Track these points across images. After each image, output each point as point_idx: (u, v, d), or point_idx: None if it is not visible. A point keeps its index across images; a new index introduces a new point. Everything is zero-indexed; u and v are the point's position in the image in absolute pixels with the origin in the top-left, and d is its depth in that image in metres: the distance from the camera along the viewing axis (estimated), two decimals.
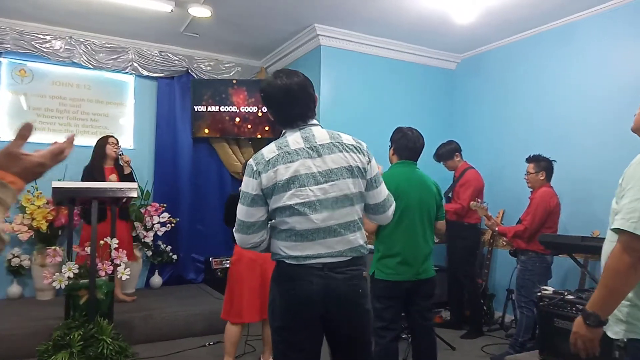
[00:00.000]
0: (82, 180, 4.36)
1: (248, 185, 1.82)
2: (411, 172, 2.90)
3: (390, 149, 3.02)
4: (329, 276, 1.80)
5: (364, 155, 1.89)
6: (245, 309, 3.24)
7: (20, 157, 0.93)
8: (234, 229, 1.90)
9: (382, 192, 1.97)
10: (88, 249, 3.57)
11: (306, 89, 1.90)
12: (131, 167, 4.69)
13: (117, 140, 4.71)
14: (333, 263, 1.81)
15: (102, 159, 4.55)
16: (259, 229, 1.85)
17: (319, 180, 1.79)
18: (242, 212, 1.84)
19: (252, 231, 1.84)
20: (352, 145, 1.88)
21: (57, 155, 0.99)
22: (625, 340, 1.44)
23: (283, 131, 1.92)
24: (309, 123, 1.89)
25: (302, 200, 1.77)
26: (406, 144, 2.89)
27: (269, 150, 1.83)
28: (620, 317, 1.46)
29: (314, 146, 1.82)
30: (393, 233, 2.79)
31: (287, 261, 1.83)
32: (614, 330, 1.47)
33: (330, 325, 1.87)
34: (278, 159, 1.79)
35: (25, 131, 0.96)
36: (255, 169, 1.81)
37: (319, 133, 1.87)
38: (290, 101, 1.86)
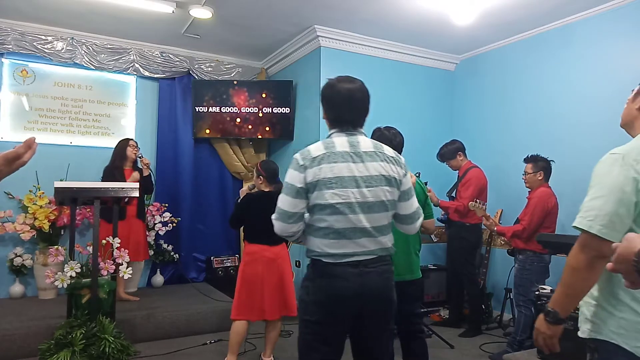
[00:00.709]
0: (103, 179, 4.49)
1: (294, 178, 1.90)
2: None
3: None
4: (364, 272, 1.90)
5: (401, 168, 2.01)
6: (267, 306, 3.33)
7: None
8: (273, 217, 1.96)
9: (413, 204, 2.07)
10: (89, 249, 3.61)
11: (365, 101, 2.02)
12: (150, 170, 4.81)
13: (137, 144, 4.83)
14: (367, 260, 1.92)
15: (123, 160, 4.68)
16: (298, 220, 1.94)
17: (359, 184, 1.89)
18: (286, 202, 1.91)
19: (292, 221, 1.92)
20: (392, 157, 2.00)
21: (12, 160, 0.91)
22: (592, 339, 1.44)
23: (330, 132, 2.02)
24: (357, 131, 2.01)
25: (343, 200, 1.87)
26: (385, 144, 2.89)
27: (316, 148, 1.93)
28: (587, 317, 1.46)
29: (358, 152, 1.93)
30: None
31: (324, 260, 1.91)
32: (582, 329, 1.48)
33: (366, 319, 1.96)
34: (324, 157, 1.89)
35: None
36: (301, 163, 1.90)
37: (364, 141, 1.98)
38: (348, 106, 1.98)
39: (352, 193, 1.87)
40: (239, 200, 3.54)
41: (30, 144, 0.94)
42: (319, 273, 1.93)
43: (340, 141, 1.95)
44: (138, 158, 4.76)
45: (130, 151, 4.69)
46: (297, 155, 1.94)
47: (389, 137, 2.90)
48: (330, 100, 2.02)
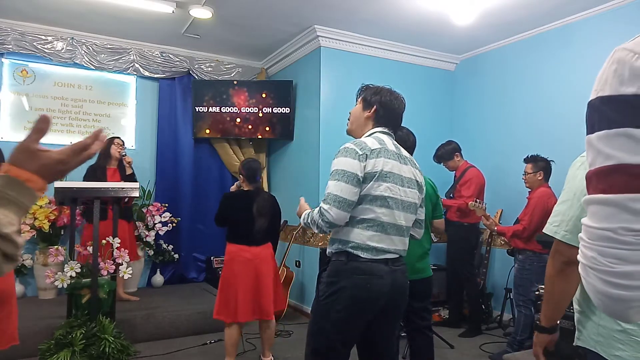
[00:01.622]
0: (84, 178, 4.41)
1: (353, 166, 1.90)
2: None
3: None
4: (393, 270, 1.98)
5: (422, 178, 2.17)
6: (240, 308, 3.26)
7: (37, 153, 0.83)
8: (327, 206, 1.89)
9: (425, 212, 2.23)
10: (90, 248, 3.61)
11: (403, 113, 2.18)
12: (132, 169, 4.74)
13: (123, 142, 4.75)
14: (394, 258, 2.00)
15: (107, 159, 4.61)
16: (352, 208, 1.93)
17: (404, 183, 2.01)
18: (346, 190, 1.88)
19: (350, 209, 1.91)
20: (418, 166, 2.16)
21: (80, 151, 0.89)
22: (583, 348, 1.39)
23: (373, 130, 2.09)
24: (393, 136, 2.14)
25: (393, 195, 1.96)
26: (399, 143, 2.91)
27: (371, 142, 1.98)
28: (576, 324, 1.43)
29: (401, 154, 2.06)
30: None
31: (361, 254, 1.92)
32: (575, 337, 1.45)
33: (380, 316, 2.00)
34: (381, 151, 1.96)
35: (42, 124, 0.85)
36: (360, 153, 1.93)
37: (401, 147, 2.14)
38: (398, 112, 2.13)
39: (399, 190, 1.97)
40: None
41: (97, 135, 0.90)
42: (354, 269, 1.92)
43: (388, 140, 2.04)
44: (122, 157, 4.67)
45: (114, 149, 4.60)
46: (351, 146, 1.95)
47: (403, 137, 2.91)
48: (388, 104, 2.10)
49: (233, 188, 3.61)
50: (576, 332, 1.41)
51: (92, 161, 4.60)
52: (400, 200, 1.98)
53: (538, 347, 1.50)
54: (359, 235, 1.92)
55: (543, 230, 1.41)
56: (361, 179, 1.91)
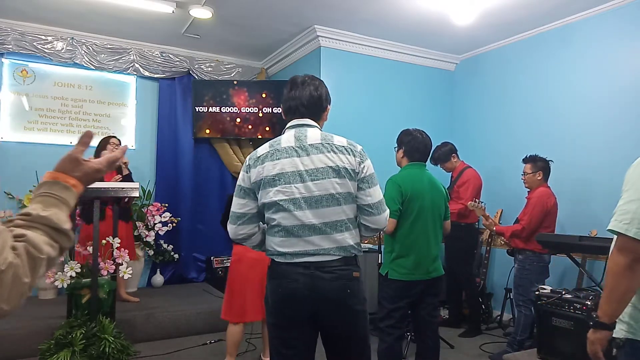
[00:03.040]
0: None
1: (242, 179, 1.94)
2: (422, 174, 2.95)
3: (398, 150, 3.04)
4: (316, 275, 1.81)
5: (354, 157, 1.88)
6: (249, 308, 3.28)
7: (81, 162, 1.01)
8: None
9: (374, 194, 1.91)
10: (90, 249, 3.61)
11: (316, 94, 1.96)
12: (129, 170, 4.67)
13: (120, 142, 4.70)
14: (321, 262, 1.82)
15: None
16: (249, 221, 1.94)
17: (304, 178, 1.82)
18: (235, 203, 1.94)
19: (241, 222, 1.93)
20: (343, 146, 1.89)
21: (113, 162, 1.11)
22: (624, 339, 1.46)
23: (284, 129, 2.02)
24: (307, 123, 1.94)
25: (287, 197, 1.82)
26: (417, 146, 2.94)
27: (263, 147, 1.94)
28: (622, 317, 1.48)
29: (304, 145, 1.87)
30: (410, 233, 2.82)
31: (276, 259, 1.89)
32: (617, 329, 1.49)
33: (322, 324, 1.91)
34: (267, 155, 1.89)
35: (86, 138, 1.06)
36: (247, 163, 1.94)
37: (312, 133, 1.91)
38: (300, 97, 1.94)
39: (296, 188, 1.81)
40: None
41: (124, 150, 1.16)
42: (272, 273, 1.92)
43: (287, 136, 1.92)
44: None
45: (109, 149, 4.51)
46: (247, 156, 1.98)
47: (423, 140, 2.98)
48: (286, 95, 1.99)
49: None
50: (623, 326, 1.47)
51: None
52: (302, 198, 1.81)
53: (597, 345, 1.51)
54: (270, 242, 1.91)
55: (609, 228, 1.44)
56: (248, 190, 1.91)
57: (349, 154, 1.88)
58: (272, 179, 1.84)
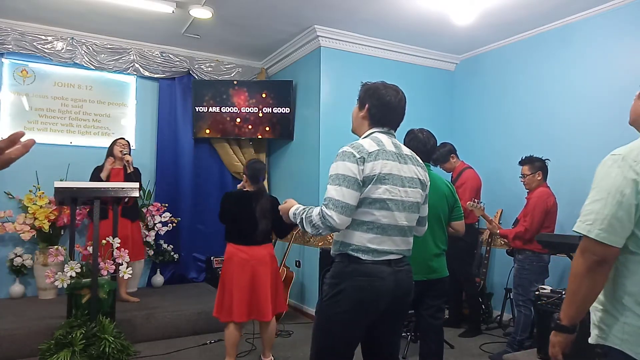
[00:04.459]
0: (90, 178, 4.46)
1: (351, 170, 1.89)
2: None
3: None
4: (396, 270, 1.98)
5: (427, 173, 2.15)
6: (235, 307, 3.26)
7: None
8: (329, 212, 1.86)
9: (427, 208, 2.22)
10: (90, 249, 3.61)
11: (405, 108, 2.12)
12: (134, 167, 4.65)
13: (128, 143, 4.73)
14: (397, 259, 2.00)
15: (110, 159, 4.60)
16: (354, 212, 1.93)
17: (404, 183, 1.99)
18: (347, 194, 1.86)
19: (352, 214, 1.91)
20: (421, 163, 2.15)
21: (12, 141, 0.93)
22: (606, 347, 1.39)
23: (371, 131, 2.07)
24: (394, 134, 2.12)
25: (393, 197, 1.94)
26: (418, 146, 2.92)
27: (369, 144, 1.97)
28: (594, 322, 1.43)
29: (401, 154, 2.04)
30: None
31: (362, 257, 1.92)
32: (591, 335, 1.44)
33: (382, 317, 2.01)
34: (379, 153, 1.94)
35: (12, 136, 0.90)
36: (358, 156, 1.91)
37: (402, 145, 2.11)
38: (397, 109, 2.08)
39: (399, 191, 1.95)
40: None
41: (14, 139, 0.92)
42: (355, 271, 1.92)
43: (387, 140, 2.02)
44: (122, 156, 4.58)
45: (117, 149, 4.59)
46: (349, 149, 1.93)
47: (424, 140, 2.95)
48: (380, 101, 2.06)
49: (239, 186, 3.59)
50: (596, 331, 1.41)
51: (99, 162, 4.63)
52: (401, 201, 1.96)
53: (557, 348, 1.47)
54: (359, 238, 1.92)
55: (574, 229, 1.40)
56: (361, 182, 1.89)
57: (425, 171, 2.15)
58: (384, 177, 1.92)
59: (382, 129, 2.06)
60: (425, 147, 2.93)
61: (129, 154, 4.62)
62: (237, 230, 3.37)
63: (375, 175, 1.90)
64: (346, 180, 1.88)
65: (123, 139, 4.76)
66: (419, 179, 2.06)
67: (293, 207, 2.04)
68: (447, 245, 2.99)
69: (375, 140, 1.99)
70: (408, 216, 2.00)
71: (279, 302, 3.50)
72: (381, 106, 2.06)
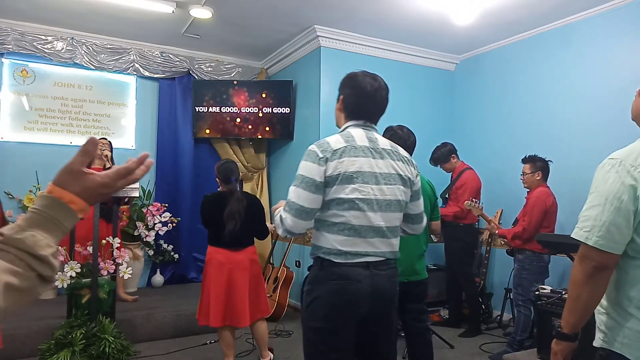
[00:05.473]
0: None
1: (312, 172, 1.79)
2: None
3: None
4: (375, 274, 1.84)
5: (414, 168, 1.98)
6: (212, 312, 3.20)
7: (81, 175, 0.83)
8: (284, 214, 1.82)
9: (421, 204, 2.05)
10: (89, 249, 3.61)
11: (386, 99, 1.96)
12: (112, 162, 4.47)
13: (110, 142, 4.63)
14: (377, 262, 1.85)
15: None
16: (314, 215, 1.84)
17: (379, 181, 1.83)
18: (304, 197, 1.78)
19: (310, 217, 1.82)
20: (406, 157, 1.97)
21: (124, 175, 0.87)
22: (608, 350, 1.38)
23: (346, 124, 1.94)
24: (373, 127, 1.96)
25: (363, 197, 1.79)
26: (399, 143, 2.88)
27: (335, 141, 1.83)
28: (598, 326, 1.42)
29: (377, 148, 1.87)
30: None
31: (335, 259, 1.81)
32: (595, 339, 1.43)
33: (367, 319, 1.88)
34: (345, 150, 1.81)
35: (89, 146, 0.84)
36: (321, 155, 1.79)
37: (381, 138, 1.94)
38: (374, 99, 1.91)
39: (371, 189, 1.80)
40: None
41: (142, 160, 0.88)
42: (329, 275, 1.82)
43: (359, 135, 1.87)
44: (101, 152, 4.42)
45: (98, 151, 4.50)
46: (313, 148, 1.83)
47: (403, 136, 2.87)
48: (354, 90, 1.92)
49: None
50: (600, 334, 1.40)
51: None
52: (375, 200, 1.81)
53: (559, 356, 1.45)
54: (330, 241, 1.81)
55: (572, 235, 1.38)
56: (321, 184, 1.77)
57: (410, 165, 1.96)
58: (351, 175, 1.78)
59: (357, 122, 1.92)
60: (406, 144, 2.89)
61: (109, 151, 4.52)
62: (214, 232, 3.29)
63: (339, 174, 1.77)
64: (304, 181, 1.78)
65: (104, 138, 4.70)
66: (399, 174, 1.88)
67: (276, 211, 1.95)
68: (427, 246, 2.97)
69: (345, 136, 1.86)
70: (386, 216, 1.84)
71: (262, 307, 3.39)
72: (355, 95, 1.92)
